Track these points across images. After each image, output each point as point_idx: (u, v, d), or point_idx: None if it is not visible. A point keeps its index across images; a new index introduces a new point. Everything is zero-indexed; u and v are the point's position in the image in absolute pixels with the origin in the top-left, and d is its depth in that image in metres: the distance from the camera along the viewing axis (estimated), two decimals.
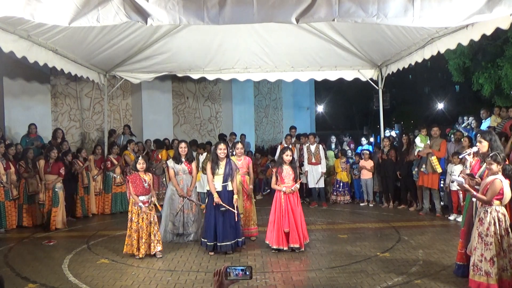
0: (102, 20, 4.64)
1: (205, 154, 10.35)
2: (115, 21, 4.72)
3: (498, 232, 4.39)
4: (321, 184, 10.32)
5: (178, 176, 7.05)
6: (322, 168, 10.21)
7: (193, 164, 7.22)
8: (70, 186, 9.06)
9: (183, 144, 7.16)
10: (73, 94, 12.54)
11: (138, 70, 10.82)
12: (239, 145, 7.22)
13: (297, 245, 6.25)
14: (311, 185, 10.23)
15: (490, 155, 4.56)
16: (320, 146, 10.45)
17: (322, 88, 25.74)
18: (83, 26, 5.24)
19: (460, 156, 6.66)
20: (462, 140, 8.72)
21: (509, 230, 4.43)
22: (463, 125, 10.70)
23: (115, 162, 10.03)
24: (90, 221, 9.21)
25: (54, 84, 12.24)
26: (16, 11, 4.51)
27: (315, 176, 10.19)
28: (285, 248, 6.26)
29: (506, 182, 4.46)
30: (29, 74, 11.23)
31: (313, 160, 10.18)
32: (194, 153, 10.04)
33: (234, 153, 7.32)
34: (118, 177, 10.00)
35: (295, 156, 10.43)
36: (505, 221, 4.43)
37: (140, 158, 6.43)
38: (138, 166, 6.32)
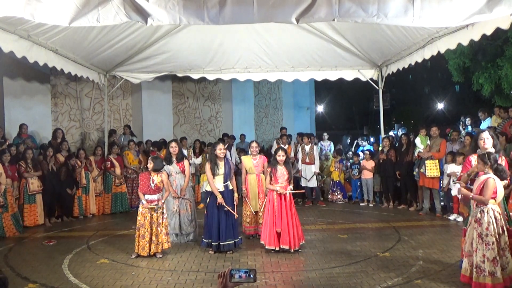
0: (102, 20, 4.64)
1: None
2: (115, 21, 4.72)
3: (496, 231, 4.41)
4: (313, 184, 10.38)
5: (171, 177, 6.97)
6: (315, 168, 10.33)
7: (185, 163, 7.12)
8: (68, 186, 9.05)
9: (173, 144, 7.09)
10: (73, 94, 12.53)
11: (138, 70, 10.81)
12: (254, 144, 7.19)
13: (286, 247, 6.20)
14: (303, 184, 10.36)
15: (479, 155, 4.58)
16: (315, 146, 10.58)
17: (322, 88, 25.73)
18: (83, 26, 5.24)
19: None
20: (464, 139, 8.73)
21: (504, 228, 4.45)
22: (466, 130, 10.61)
23: (115, 162, 10.04)
24: (90, 221, 9.21)
25: (54, 84, 12.23)
26: (16, 11, 4.51)
27: (307, 176, 10.33)
28: (277, 249, 6.23)
29: (498, 181, 4.48)
30: (29, 74, 11.22)
31: (307, 160, 10.34)
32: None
33: (249, 152, 7.33)
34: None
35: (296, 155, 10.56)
36: (501, 219, 4.46)
37: (150, 158, 6.52)
38: (149, 166, 6.39)
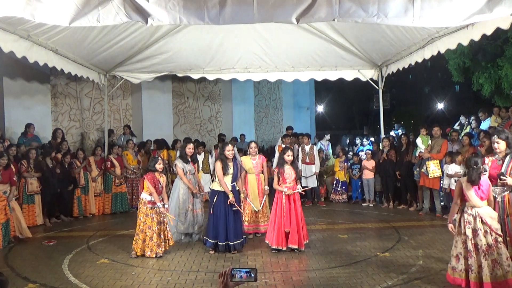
0: (102, 20, 4.63)
1: (202, 154, 10.38)
2: (116, 21, 4.72)
3: (463, 232, 4.45)
4: (313, 184, 10.38)
5: (186, 176, 7.04)
6: (316, 168, 10.32)
7: (196, 165, 7.32)
8: (65, 184, 9.02)
9: (191, 145, 7.19)
10: (73, 94, 12.54)
11: (138, 70, 10.81)
12: (253, 144, 7.29)
13: (295, 246, 6.25)
14: (303, 184, 10.28)
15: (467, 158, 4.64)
16: (315, 146, 10.58)
17: (322, 88, 25.72)
18: (83, 26, 5.24)
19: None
20: (462, 139, 8.72)
21: (480, 232, 4.35)
22: (465, 131, 10.54)
23: (116, 162, 10.03)
24: (90, 221, 9.21)
25: (54, 84, 12.23)
26: (16, 11, 4.50)
27: (308, 176, 10.32)
28: (284, 248, 6.26)
29: (469, 187, 4.42)
30: (29, 74, 11.22)
31: (307, 160, 10.34)
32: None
33: (248, 152, 7.38)
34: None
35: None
36: (476, 223, 4.38)
37: (159, 158, 6.49)
38: (158, 166, 6.35)
